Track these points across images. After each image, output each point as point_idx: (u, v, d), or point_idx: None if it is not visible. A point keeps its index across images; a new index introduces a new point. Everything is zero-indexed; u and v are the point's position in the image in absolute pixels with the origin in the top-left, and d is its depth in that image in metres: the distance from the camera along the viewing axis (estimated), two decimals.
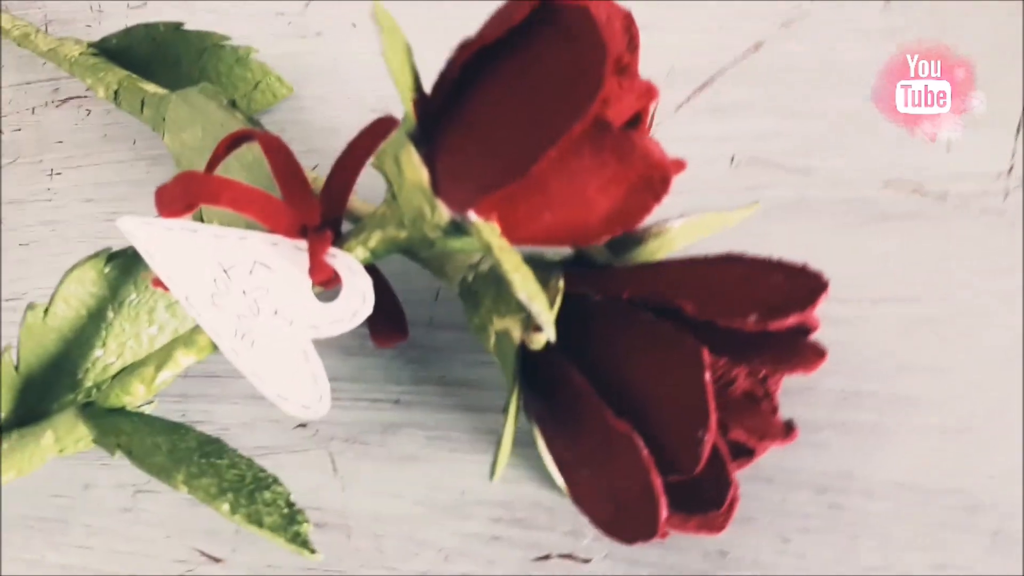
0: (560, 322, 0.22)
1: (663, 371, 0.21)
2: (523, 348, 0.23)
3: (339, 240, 0.25)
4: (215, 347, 0.25)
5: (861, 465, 0.25)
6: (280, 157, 0.25)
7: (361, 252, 0.24)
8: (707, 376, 0.20)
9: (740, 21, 0.32)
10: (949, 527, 0.24)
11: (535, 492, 0.27)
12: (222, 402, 0.31)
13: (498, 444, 0.22)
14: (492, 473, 0.22)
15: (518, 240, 0.22)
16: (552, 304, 0.22)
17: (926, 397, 0.26)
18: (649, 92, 0.22)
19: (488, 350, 0.25)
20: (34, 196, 0.37)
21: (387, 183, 0.24)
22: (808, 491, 0.25)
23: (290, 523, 0.23)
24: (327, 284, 0.24)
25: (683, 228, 0.24)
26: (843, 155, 0.29)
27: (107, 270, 0.28)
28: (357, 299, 0.24)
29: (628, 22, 0.22)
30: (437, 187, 0.22)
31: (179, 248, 0.25)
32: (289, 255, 0.24)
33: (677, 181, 0.21)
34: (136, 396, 0.26)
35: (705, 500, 0.22)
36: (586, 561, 0.26)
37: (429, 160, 0.22)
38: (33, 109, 0.40)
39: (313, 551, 0.22)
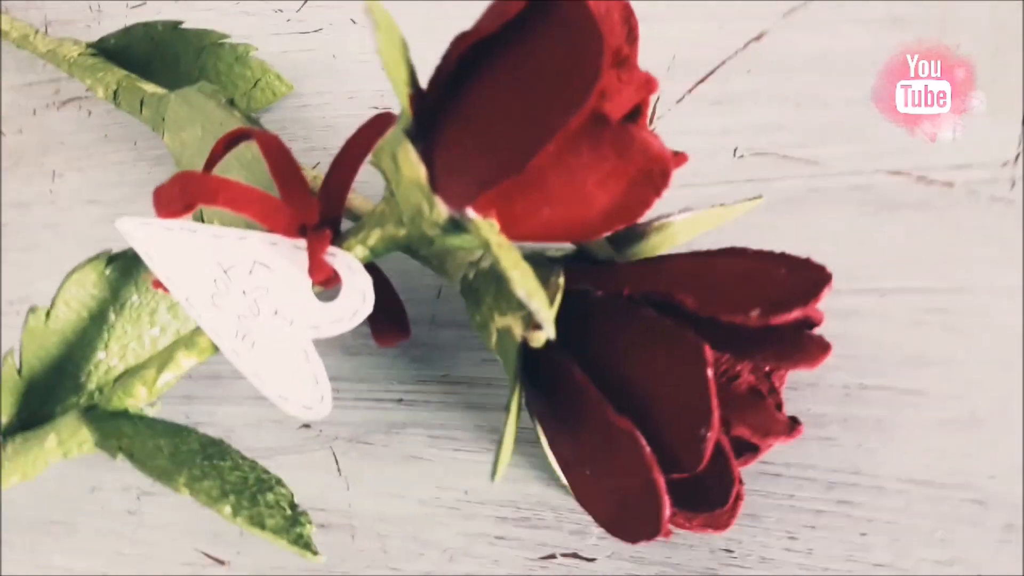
0: (561, 319, 0.22)
1: (665, 368, 0.21)
2: (525, 346, 0.23)
3: (338, 239, 0.24)
4: (216, 348, 0.25)
5: (869, 460, 0.25)
6: (278, 156, 0.25)
7: (361, 251, 0.24)
8: (709, 372, 0.20)
9: (741, 11, 0.31)
10: (959, 522, 0.24)
11: (539, 491, 0.27)
12: (226, 403, 0.31)
13: (499, 444, 0.22)
14: (493, 473, 0.22)
15: (517, 236, 0.22)
16: (552, 301, 0.22)
17: (934, 390, 0.25)
18: (648, 84, 0.22)
19: (490, 348, 0.25)
20: (36, 198, 0.37)
21: (385, 180, 0.23)
22: (816, 487, 0.25)
23: (293, 525, 0.23)
24: (327, 283, 0.24)
25: (685, 222, 0.24)
26: (847, 145, 0.29)
27: (108, 272, 0.28)
28: (357, 298, 0.24)
29: (627, 13, 0.22)
30: (435, 183, 0.21)
31: (178, 249, 0.25)
32: (288, 255, 0.24)
33: (679, 174, 0.21)
34: (138, 398, 0.26)
35: (709, 498, 0.22)
36: (591, 560, 0.26)
37: (427, 156, 0.22)
38: (34, 111, 0.40)
39: (316, 553, 0.22)
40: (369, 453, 0.29)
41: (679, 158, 0.22)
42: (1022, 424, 0.25)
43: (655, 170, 0.20)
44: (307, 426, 0.30)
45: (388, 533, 0.27)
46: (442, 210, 0.21)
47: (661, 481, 0.20)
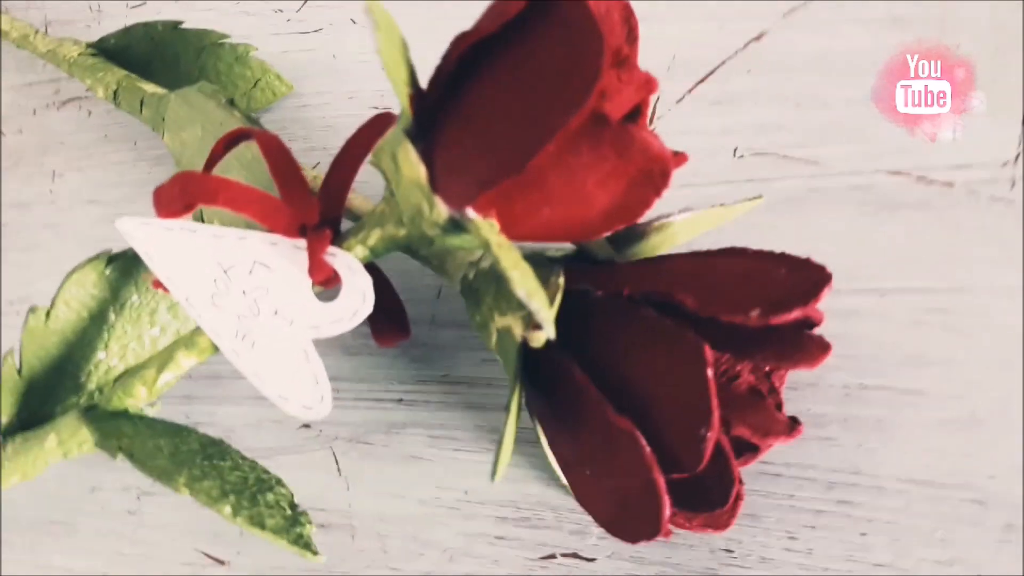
0: (561, 319, 0.22)
1: (665, 368, 0.21)
2: (525, 346, 0.23)
3: (338, 239, 0.24)
4: (216, 348, 0.25)
5: (869, 460, 0.25)
6: (277, 156, 0.25)
7: (360, 251, 0.24)
8: (709, 373, 0.20)
9: (742, 11, 0.31)
10: (959, 522, 0.24)
11: (540, 491, 0.27)
12: (226, 403, 0.31)
13: (499, 444, 0.22)
14: (493, 473, 0.22)
15: (518, 236, 0.22)
16: (552, 301, 0.22)
17: (935, 390, 0.25)
18: (648, 84, 0.22)
19: (490, 348, 0.25)
20: (36, 198, 0.37)
21: (385, 180, 0.23)
22: (816, 487, 0.25)
23: (293, 525, 0.23)
24: (327, 283, 0.24)
25: (685, 222, 0.24)
26: (847, 145, 0.29)
27: (108, 272, 0.28)
28: (357, 298, 0.24)
29: (627, 13, 0.22)
30: (435, 183, 0.21)
31: (178, 249, 0.25)
32: (288, 255, 0.24)
33: (680, 174, 0.21)
34: (138, 398, 0.26)
35: (709, 498, 0.22)
36: (591, 560, 0.26)
37: (427, 156, 0.22)
38: (34, 111, 0.40)
39: (316, 553, 0.22)
40: (369, 453, 0.29)
41: (679, 158, 0.22)
42: (1022, 424, 0.24)
43: (655, 170, 0.20)
44: (307, 426, 0.30)
45: (388, 533, 0.27)
46: (442, 210, 0.21)
47: (661, 481, 0.20)
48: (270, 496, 0.23)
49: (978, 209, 0.27)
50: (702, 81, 0.31)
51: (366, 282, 0.24)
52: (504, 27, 0.20)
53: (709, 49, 0.31)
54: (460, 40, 0.21)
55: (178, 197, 0.24)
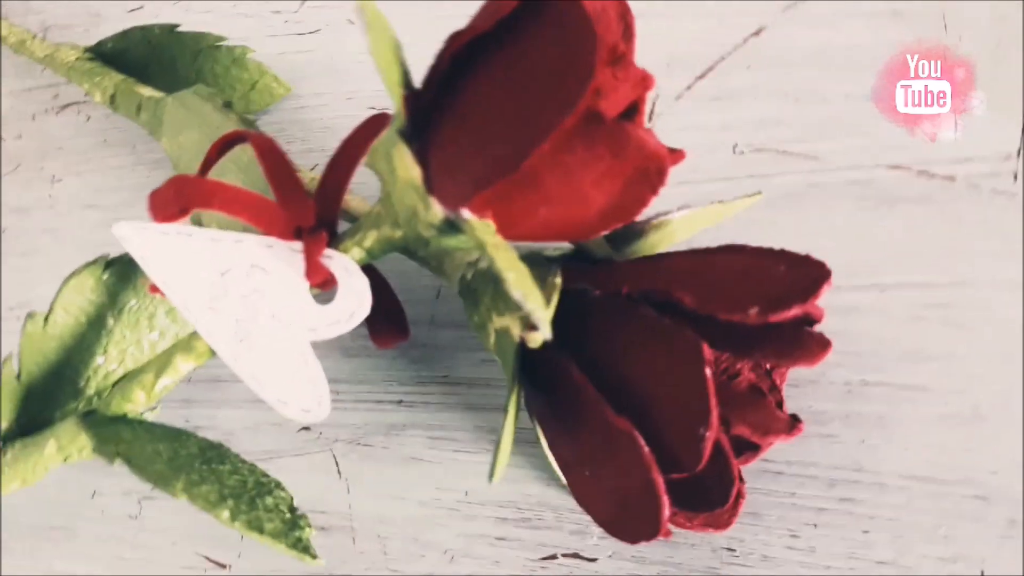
0: (559, 319, 0.22)
1: (663, 367, 0.21)
2: (523, 346, 0.23)
3: (335, 241, 0.24)
4: (214, 352, 0.25)
5: (871, 457, 0.25)
6: (272, 158, 0.24)
7: (357, 252, 0.24)
8: (708, 371, 0.20)
9: (740, 7, 0.31)
10: (961, 518, 0.24)
11: (540, 491, 0.27)
12: (225, 407, 0.31)
13: (497, 445, 0.21)
14: (491, 474, 0.21)
15: (514, 236, 0.21)
16: (549, 301, 0.22)
17: (936, 386, 0.25)
18: (645, 81, 0.22)
19: (488, 348, 0.25)
20: (36, 203, 0.37)
21: (381, 182, 0.23)
22: (817, 485, 0.25)
23: (292, 529, 0.23)
24: (324, 286, 0.24)
25: (684, 220, 0.24)
26: (847, 140, 0.29)
27: (105, 277, 0.28)
28: (354, 300, 0.24)
29: (623, 10, 0.22)
30: (430, 184, 0.21)
31: (175, 253, 0.25)
32: (285, 257, 0.24)
33: (679, 171, 0.20)
34: (137, 403, 0.26)
35: (709, 498, 0.22)
36: (592, 560, 0.25)
37: (422, 156, 0.21)
38: (33, 116, 0.40)
39: (315, 556, 0.22)
40: (369, 455, 0.29)
41: (676, 156, 0.22)
42: None
43: (651, 168, 0.20)
44: (307, 429, 0.29)
45: (389, 535, 0.27)
46: (437, 211, 0.21)
47: (660, 481, 0.20)
48: (269, 500, 0.23)
49: (980, 203, 0.27)
50: (701, 77, 0.31)
51: (363, 284, 0.24)
52: (498, 25, 0.20)
53: (708, 45, 0.31)
54: (454, 39, 0.21)
55: (173, 201, 0.24)
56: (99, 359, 0.28)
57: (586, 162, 0.20)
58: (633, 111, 0.22)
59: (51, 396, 0.28)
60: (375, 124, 0.24)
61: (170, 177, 0.24)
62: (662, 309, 0.21)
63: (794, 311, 0.20)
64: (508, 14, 0.20)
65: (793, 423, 0.22)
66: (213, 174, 0.27)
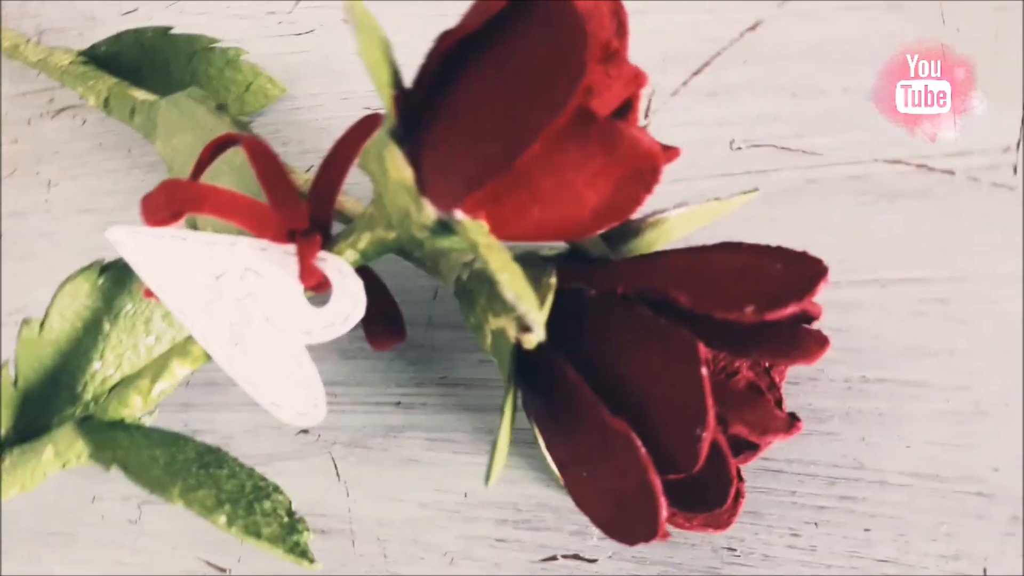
0: (554, 319, 0.21)
1: (659, 367, 0.21)
2: (519, 347, 0.22)
3: (329, 243, 0.24)
4: (209, 356, 0.25)
5: (872, 454, 0.25)
6: (264, 160, 0.24)
7: (351, 254, 0.24)
8: (704, 371, 0.19)
9: (736, 1, 0.31)
10: (963, 515, 0.24)
11: (540, 492, 0.26)
12: (224, 410, 0.31)
13: (493, 447, 0.21)
14: (488, 477, 0.21)
15: (508, 237, 0.21)
16: (543, 302, 0.21)
17: (937, 382, 0.25)
18: (638, 79, 0.21)
19: (485, 349, 0.24)
20: (32, 208, 0.37)
21: (373, 183, 0.23)
22: (818, 483, 0.25)
23: (289, 533, 0.22)
24: (318, 288, 0.24)
25: (680, 217, 0.23)
26: (845, 134, 0.28)
27: (101, 281, 0.28)
28: (348, 302, 0.24)
29: (616, 6, 0.22)
30: (422, 185, 0.21)
31: (169, 257, 0.24)
32: (278, 260, 0.24)
33: (676, 168, 0.20)
34: (134, 408, 0.26)
35: (707, 498, 0.22)
36: (592, 561, 0.25)
37: (413, 157, 0.21)
38: (29, 120, 0.39)
39: (312, 561, 0.22)
40: (368, 457, 0.28)
41: (670, 153, 0.22)
42: None
43: (645, 167, 0.20)
44: (306, 432, 0.29)
45: (388, 537, 0.27)
46: (430, 212, 0.21)
47: (657, 482, 0.20)
48: (267, 504, 0.23)
49: (979, 196, 0.27)
50: (697, 73, 0.31)
51: (357, 286, 0.23)
52: (488, 24, 0.20)
53: (704, 40, 0.31)
54: (444, 38, 0.21)
55: (164, 205, 0.24)
56: (96, 364, 0.28)
57: (579, 161, 0.20)
58: (626, 109, 0.22)
59: (48, 402, 0.28)
60: (367, 125, 0.24)
61: (162, 181, 0.24)
62: (658, 308, 0.21)
63: (791, 309, 0.20)
64: (498, 13, 0.20)
65: (791, 422, 0.22)
66: (207, 177, 0.27)
